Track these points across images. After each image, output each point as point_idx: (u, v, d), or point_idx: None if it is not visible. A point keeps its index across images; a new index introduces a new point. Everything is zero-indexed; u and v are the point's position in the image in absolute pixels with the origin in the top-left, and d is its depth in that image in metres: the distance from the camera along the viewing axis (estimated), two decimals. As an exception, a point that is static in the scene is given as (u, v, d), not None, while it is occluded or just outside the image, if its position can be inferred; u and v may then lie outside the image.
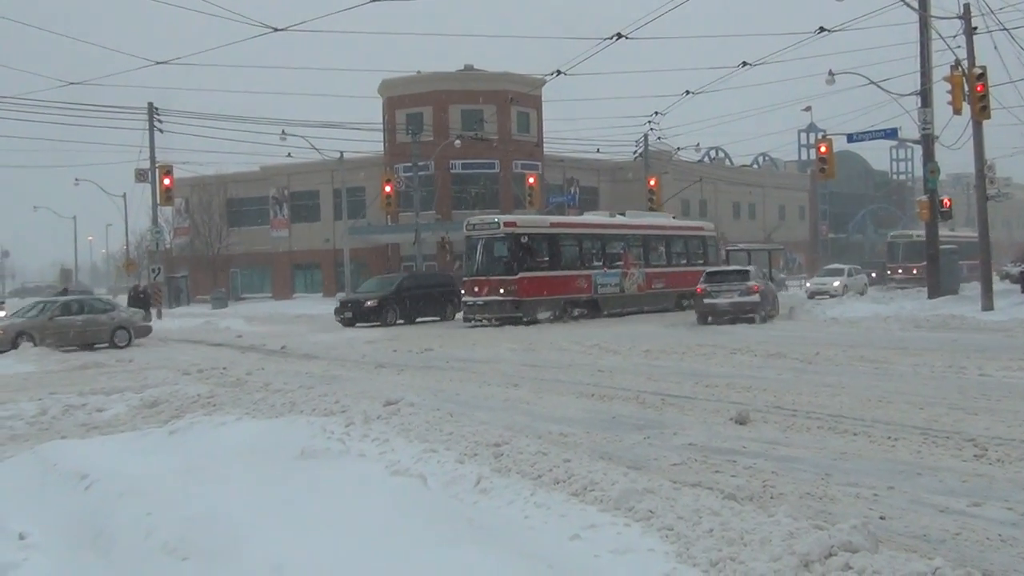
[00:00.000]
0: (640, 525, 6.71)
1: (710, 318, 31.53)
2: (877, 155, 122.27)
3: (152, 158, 48.92)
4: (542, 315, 35.02)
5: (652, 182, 53.42)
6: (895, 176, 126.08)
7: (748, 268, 34.17)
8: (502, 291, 34.53)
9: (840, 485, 8.09)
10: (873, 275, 62.92)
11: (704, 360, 19.08)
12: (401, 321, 39.37)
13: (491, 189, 64.92)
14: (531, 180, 55.26)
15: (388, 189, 51.28)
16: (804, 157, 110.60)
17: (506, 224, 35.69)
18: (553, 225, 38.17)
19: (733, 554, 5.93)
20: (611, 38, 30.87)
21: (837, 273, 56.06)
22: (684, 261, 43.07)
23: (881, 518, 7.04)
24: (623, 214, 43.76)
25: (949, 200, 36.90)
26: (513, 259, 34.93)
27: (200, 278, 75.41)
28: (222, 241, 75.51)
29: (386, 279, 44.67)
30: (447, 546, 5.83)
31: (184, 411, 14.09)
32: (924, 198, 34.44)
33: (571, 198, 69.03)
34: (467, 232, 36.60)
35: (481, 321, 35.09)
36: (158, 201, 49.14)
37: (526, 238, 35.44)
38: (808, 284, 56.56)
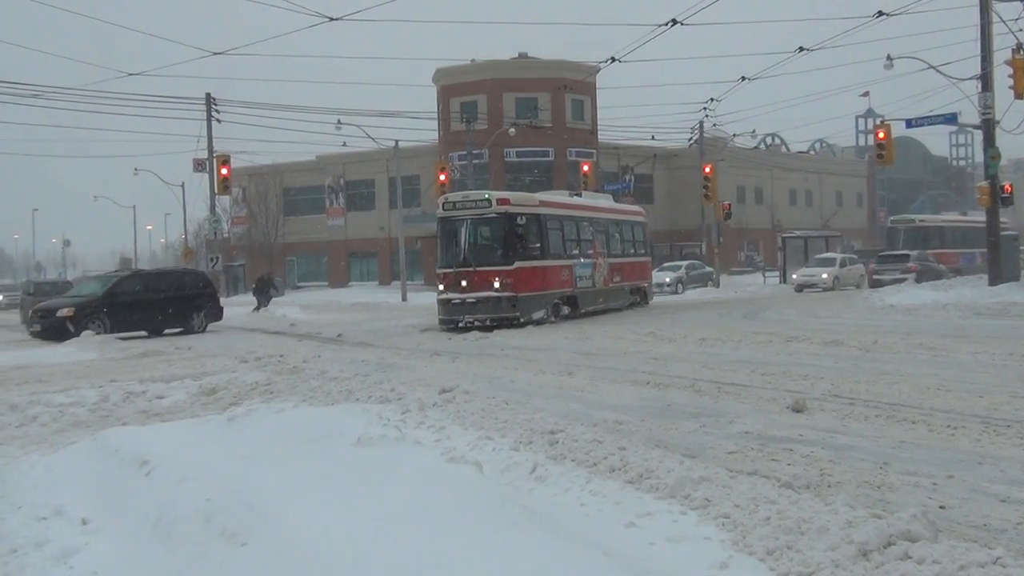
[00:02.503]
0: (696, 513, 6.69)
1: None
2: (936, 141, 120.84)
3: (210, 148, 49.44)
4: (536, 314, 29.28)
5: (707, 169, 53.05)
6: (954, 162, 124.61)
7: (908, 252, 38.65)
8: (497, 285, 28.26)
9: (899, 474, 8.01)
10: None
11: (760, 348, 18.96)
12: (123, 334, 30.09)
13: (545, 177, 64.73)
14: (585, 168, 55.14)
15: (443, 177, 51.33)
16: (862, 143, 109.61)
17: (499, 201, 29.21)
18: (542, 204, 31.33)
19: (790, 543, 5.90)
20: (666, 24, 30.74)
21: (828, 263, 50.78)
22: (632, 251, 38.12)
23: (941, 507, 6.96)
24: (579, 194, 38.88)
25: (1010, 186, 36.31)
26: (508, 245, 28.70)
27: (257, 267, 76.03)
28: (279, 230, 76.10)
29: (105, 278, 36.26)
30: (503, 532, 5.85)
31: (242, 398, 14.24)
32: (984, 184, 33.95)
33: (626, 185, 68.77)
34: (445, 211, 29.61)
35: (471, 324, 28.16)
36: (216, 190, 49.67)
37: (523, 219, 29.29)
38: (795, 276, 50.87)
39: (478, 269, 28.37)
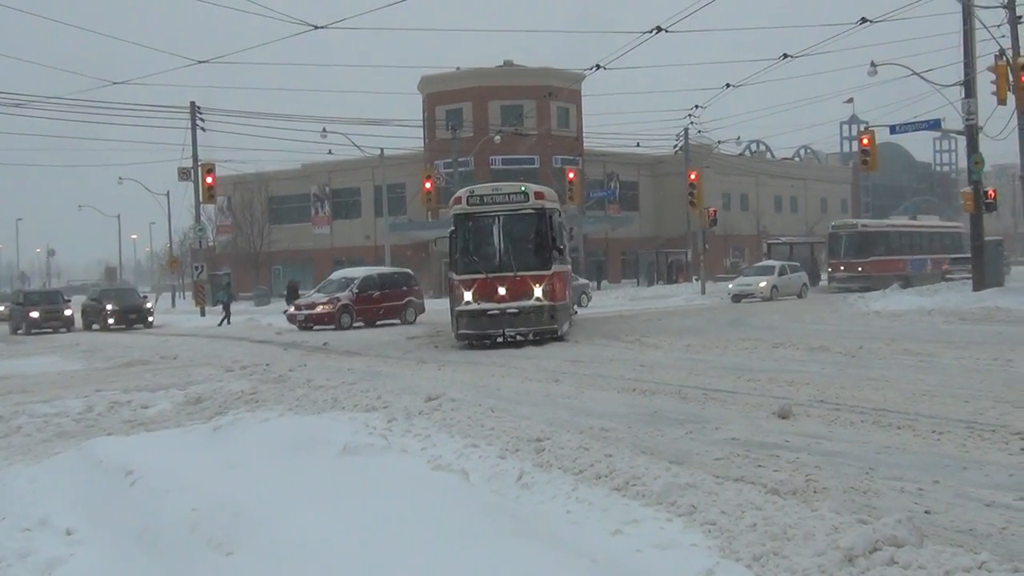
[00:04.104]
0: (682, 520, 6.70)
1: None
2: (920, 146, 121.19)
3: (195, 156, 49.34)
4: (564, 326, 25.54)
5: (693, 176, 53.13)
6: (938, 168, 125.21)
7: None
8: (539, 293, 24.23)
9: (884, 479, 8.02)
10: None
11: (746, 354, 18.99)
12: None
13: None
14: (571, 175, 55.20)
15: (428, 185, 51.37)
16: (846, 149, 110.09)
17: (536, 195, 25.02)
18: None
19: (776, 548, 5.91)
20: (651, 32, 30.78)
21: (766, 272, 47.54)
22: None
23: (926, 512, 6.98)
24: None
25: (994, 191, 36.47)
26: (546, 247, 24.60)
27: (242, 275, 75.88)
28: (264, 238, 75.96)
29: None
30: (489, 540, 5.84)
31: (227, 407, 14.19)
32: (968, 189, 34.10)
33: (611, 193, 68.94)
34: (469, 206, 24.87)
35: (512, 338, 24.03)
36: (201, 199, 49.59)
37: (556, 216, 25.87)
38: (731, 285, 47.67)
39: (519, 274, 24.26)
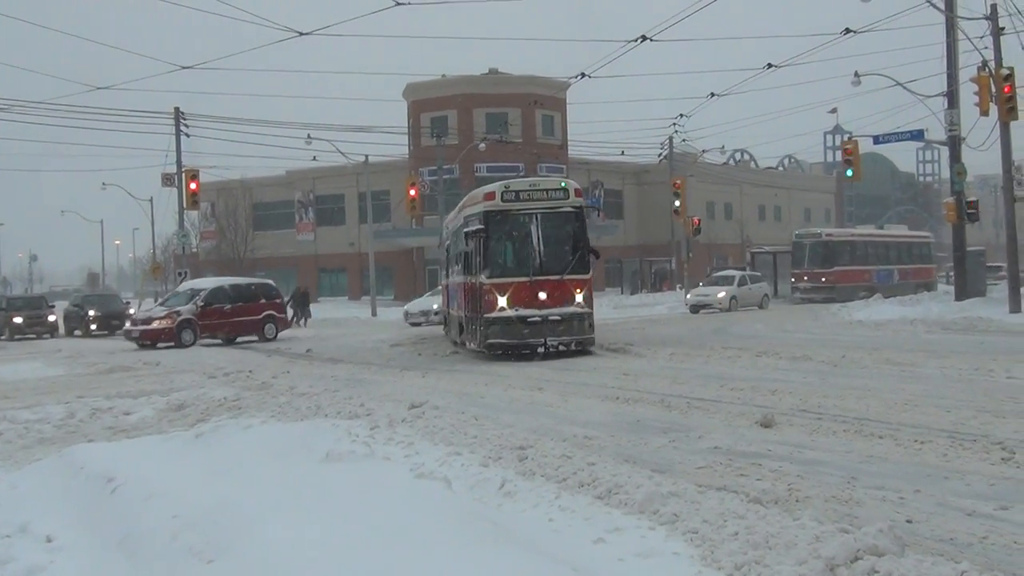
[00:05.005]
0: (665, 529, 6.70)
1: None
2: (904, 157, 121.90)
3: (178, 162, 49.12)
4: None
5: (677, 184, 53.15)
6: (922, 178, 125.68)
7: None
8: (580, 299, 22.42)
9: (866, 488, 8.04)
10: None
11: (729, 363, 19.02)
12: None
13: (516, 192, 64.75)
14: (556, 183, 55.09)
15: (413, 193, 51.30)
16: (830, 159, 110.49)
17: (576, 192, 23.08)
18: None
19: (758, 558, 5.92)
20: (635, 40, 30.79)
21: (725, 282, 45.98)
22: None
23: (908, 522, 6.99)
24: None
25: (976, 202, 36.59)
26: (584, 249, 22.70)
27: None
28: (248, 245, 75.74)
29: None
30: (471, 548, 5.83)
31: (210, 414, 14.17)
32: (951, 200, 34.16)
33: (596, 201, 68.98)
34: (504, 202, 22.47)
35: (554, 348, 22.00)
36: (184, 205, 49.31)
37: (589, 216, 24.34)
38: (688, 296, 46.23)
39: (564, 278, 22.24)
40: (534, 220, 22.24)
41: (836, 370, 16.99)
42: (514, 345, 22.00)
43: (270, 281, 39.64)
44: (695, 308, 44.10)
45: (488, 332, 22.17)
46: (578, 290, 22.28)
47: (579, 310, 22.22)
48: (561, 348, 21.93)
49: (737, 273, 48.30)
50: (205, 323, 33.19)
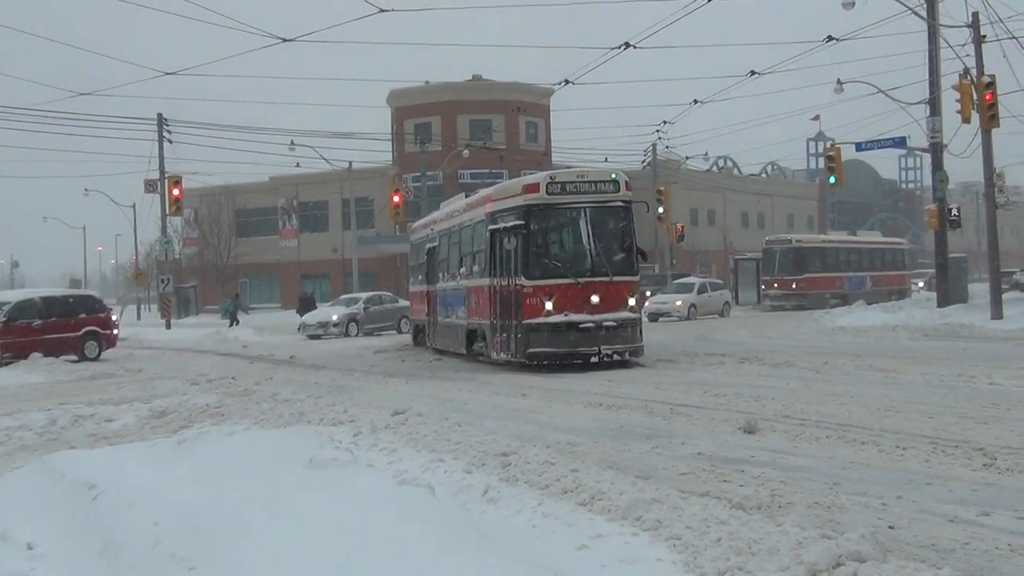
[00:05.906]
0: (648, 535, 6.70)
1: None
2: (886, 164, 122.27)
3: (161, 169, 49.07)
4: None
5: (660, 191, 53.26)
6: (904, 185, 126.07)
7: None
8: (632, 303, 20.70)
9: (849, 494, 8.05)
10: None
11: (712, 370, 19.04)
12: None
13: (499, 198, 64.79)
14: (539, 190, 55.14)
15: (396, 199, 51.27)
16: (813, 166, 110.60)
17: (626, 185, 21.00)
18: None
19: (741, 564, 5.92)
20: (619, 47, 30.87)
21: (684, 289, 44.94)
22: None
23: (890, 527, 7.01)
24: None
25: (958, 209, 36.79)
26: (633, 247, 20.91)
27: (209, 288, 75.41)
28: (231, 251, 75.59)
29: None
30: (454, 555, 5.82)
31: (192, 421, 14.11)
32: (933, 207, 34.33)
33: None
34: (550, 196, 20.36)
35: (608, 357, 20.01)
36: (167, 211, 49.34)
37: (648, 209, 21.40)
38: (647, 304, 42.25)
39: (615, 280, 20.30)
40: (583, 215, 20.39)
41: (819, 376, 17.03)
42: (563, 354, 19.97)
43: (94, 293, 37.41)
44: (653, 316, 42.22)
45: (529, 340, 20.06)
46: (628, 293, 20.58)
47: (632, 315, 20.49)
48: (616, 358, 20.05)
49: (697, 280, 47.30)
50: (7, 341, 28.55)
